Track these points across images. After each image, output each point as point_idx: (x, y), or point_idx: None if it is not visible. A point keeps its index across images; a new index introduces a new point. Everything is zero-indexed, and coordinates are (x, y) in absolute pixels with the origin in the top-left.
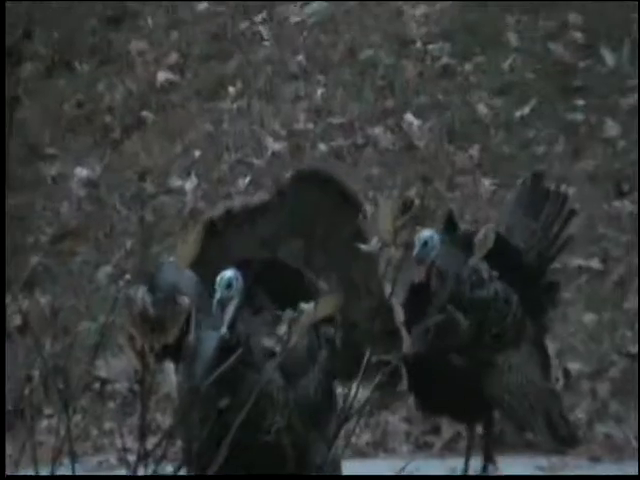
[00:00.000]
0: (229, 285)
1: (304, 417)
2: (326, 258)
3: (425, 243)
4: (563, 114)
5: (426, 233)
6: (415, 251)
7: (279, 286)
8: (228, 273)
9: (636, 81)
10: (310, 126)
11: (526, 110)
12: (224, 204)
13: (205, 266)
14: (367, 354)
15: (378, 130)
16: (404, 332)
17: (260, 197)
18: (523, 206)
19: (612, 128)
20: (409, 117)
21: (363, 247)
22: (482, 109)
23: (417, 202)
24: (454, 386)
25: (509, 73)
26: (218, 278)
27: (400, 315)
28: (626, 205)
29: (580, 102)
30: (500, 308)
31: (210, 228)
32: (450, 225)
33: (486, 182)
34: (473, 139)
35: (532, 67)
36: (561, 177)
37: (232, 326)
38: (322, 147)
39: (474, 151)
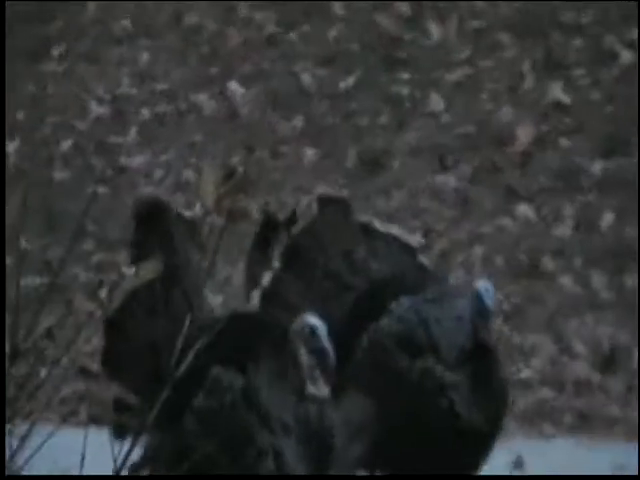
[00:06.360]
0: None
1: None
2: None
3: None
4: (387, 86)
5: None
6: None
7: None
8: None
9: (461, 55)
10: (134, 91)
11: (350, 81)
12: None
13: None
14: None
15: (202, 97)
16: None
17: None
18: None
19: (436, 102)
20: (233, 85)
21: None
22: (306, 79)
23: (240, 170)
24: None
25: (334, 43)
26: (318, 326)
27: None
28: (449, 179)
29: (405, 75)
30: None
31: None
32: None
33: (309, 152)
34: (297, 109)
35: (357, 38)
36: (384, 150)
37: None
38: (145, 112)
39: (298, 121)
